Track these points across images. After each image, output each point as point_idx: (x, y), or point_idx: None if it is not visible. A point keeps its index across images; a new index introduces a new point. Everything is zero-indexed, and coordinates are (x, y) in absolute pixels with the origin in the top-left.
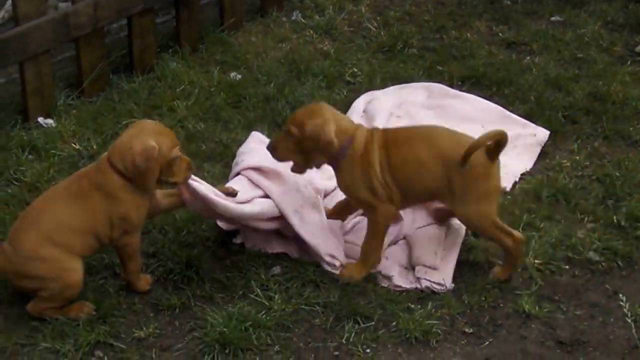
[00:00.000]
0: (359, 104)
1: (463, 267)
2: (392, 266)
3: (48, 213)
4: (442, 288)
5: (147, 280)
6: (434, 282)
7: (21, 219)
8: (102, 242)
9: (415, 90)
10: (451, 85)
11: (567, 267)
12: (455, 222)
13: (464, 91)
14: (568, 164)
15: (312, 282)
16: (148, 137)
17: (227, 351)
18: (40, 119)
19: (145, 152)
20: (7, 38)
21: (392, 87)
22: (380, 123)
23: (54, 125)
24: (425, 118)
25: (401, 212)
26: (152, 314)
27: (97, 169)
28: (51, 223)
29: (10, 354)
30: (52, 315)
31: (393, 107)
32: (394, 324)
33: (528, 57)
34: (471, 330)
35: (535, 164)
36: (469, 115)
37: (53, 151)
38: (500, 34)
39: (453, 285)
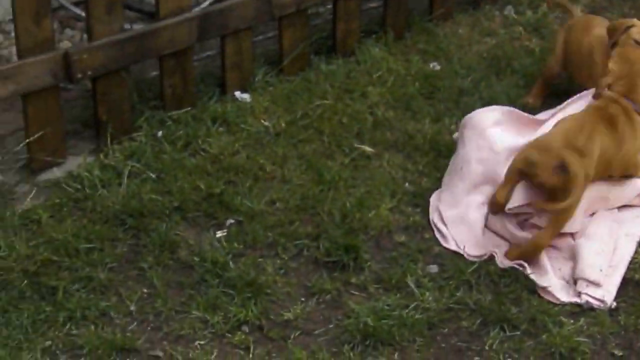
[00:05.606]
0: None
1: (627, 286)
2: (553, 277)
3: None
4: (602, 305)
5: None
6: (594, 298)
7: None
8: None
9: None
10: None
11: None
12: (626, 237)
13: None
14: None
15: (466, 282)
16: None
17: (367, 342)
18: (237, 93)
19: None
20: (210, 12)
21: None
22: None
23: (248, 100)
24: None
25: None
26: (303, 298)
27: None
28: None
29: (164, 318)
30: None
31: None
32: (541, 336)
33: None
34: (621, 353)
35: None
36: None
37: (242, 125)
38: None
39: (614, 303)
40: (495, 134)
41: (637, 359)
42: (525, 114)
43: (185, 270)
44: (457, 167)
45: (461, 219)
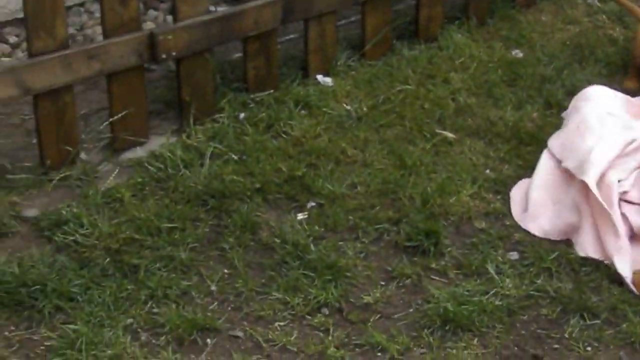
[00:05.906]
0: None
1: None
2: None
3: None
4: None
5: None
6: None
7: None
8: None
9: None
10: None
11: None
12: None
13: None
14: None
15: (547, 270)
16: None
17: (447, 328)
18: (320, 77)
19: None
20: None
21: None
22: None
23: (330, 84)
24: None
25: None
26: (383, 282)
27: None
28: None
29: (245, 299)
30: None
31: None
32: (621, 325)
33: None
34: None
35: None
36: None
37: (325, 109)
38: None
39: None
40: (609, 107)
41: None
42: (634, 100)
43: (266, 252)
44: (572, 128)
45: None
